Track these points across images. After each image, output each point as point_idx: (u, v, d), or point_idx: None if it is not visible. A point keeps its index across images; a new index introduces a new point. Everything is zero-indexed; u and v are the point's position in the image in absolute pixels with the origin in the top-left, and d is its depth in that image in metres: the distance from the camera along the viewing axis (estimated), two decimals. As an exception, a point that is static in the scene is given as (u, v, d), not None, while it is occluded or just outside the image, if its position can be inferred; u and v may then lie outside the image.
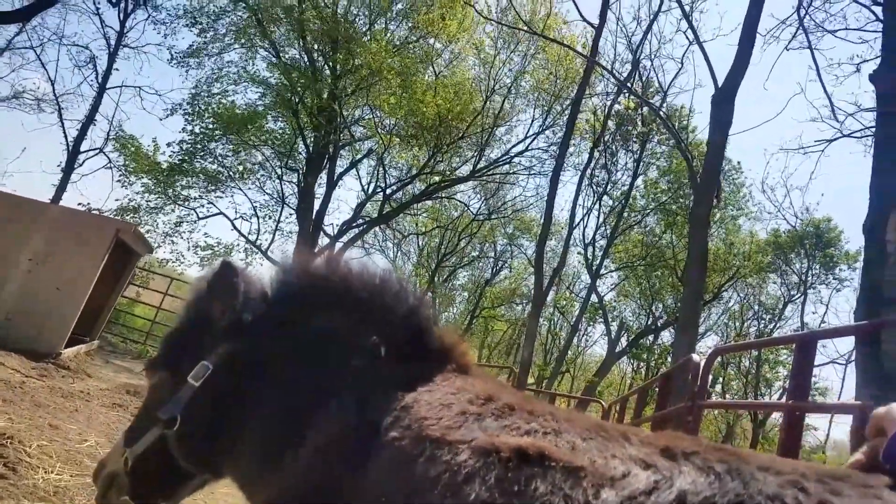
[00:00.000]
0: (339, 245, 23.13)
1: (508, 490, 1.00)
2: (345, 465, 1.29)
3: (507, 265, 35.89)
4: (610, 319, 29.96)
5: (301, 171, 22.28)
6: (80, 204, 20.15)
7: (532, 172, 26.98)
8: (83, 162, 22.08)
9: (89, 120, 21.89)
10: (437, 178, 24.75)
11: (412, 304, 1.63)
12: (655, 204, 27.21)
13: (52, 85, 22.05)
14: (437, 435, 1.19)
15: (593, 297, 28.14)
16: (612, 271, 30.14)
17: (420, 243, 35.02)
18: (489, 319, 36.02)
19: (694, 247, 13.26)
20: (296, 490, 1.35)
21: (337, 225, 24.94)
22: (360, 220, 24.69)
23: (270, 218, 23.29)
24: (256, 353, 1.66)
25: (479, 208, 30.81)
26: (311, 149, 21.77)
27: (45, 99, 22.33)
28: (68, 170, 21.34)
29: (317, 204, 22.14)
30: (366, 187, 26.26)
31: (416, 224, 32.60)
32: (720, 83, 13.08)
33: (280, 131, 22.37)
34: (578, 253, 28.84)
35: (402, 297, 1.64)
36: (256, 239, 22.70)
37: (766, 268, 28.39)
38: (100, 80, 22.24)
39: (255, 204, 22.90)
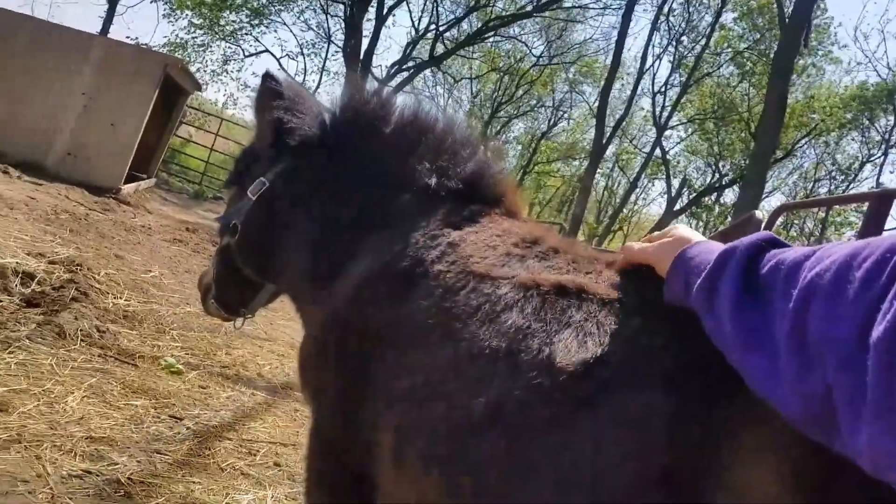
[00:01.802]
0: (387, 89, 22.40)
1: (543, 318, 1.05)
2: (386, 295, 1.34)
3: (565, 115, 34.39)
4: (672, 176, 28.83)
5: (348, 4, 21.02)
6: (127, 38, 19.86)
7: (603, 6, 24.60)
8: (128, -8, 21.38)
9: (131, -54, 20.83)
10: (495, 14, 23.00)
11: (467, 144, 1.63)
12: (732, 51, 24.91)
13: None
14: (482, 271, 1.23)
15: (657, 153, 26.92)
16: (680, 124, 28.50)
17: (473, 89, 33.62)
18: (543, 175, 35.29)
19: (773, 96, 12.33)
20: (338, 317, 1.42)
21: (385, 67, 24.03)
22: (411, 63, 23.62)
23: (317, 56, 22.60)
24: (309, 174, 1.71)
25: (542, 52, 28.87)
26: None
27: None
28: (113, 0, 20.73)
29: (365, 43, 21.13)
30: (417, 24, 24.85)
31: (471, 68, 31.03)
32: None
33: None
34: (641, 109, 27.15)
35: (458, 138, 1.64)
36: (304, 80, 22.25)
37: (847, 124, 26.29)
38: None
39: (300, 41, 22.11)
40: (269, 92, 1.78)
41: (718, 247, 0.89)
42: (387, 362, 1.27)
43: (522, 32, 27.10)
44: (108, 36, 18.84)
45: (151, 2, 21.50)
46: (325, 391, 1.44)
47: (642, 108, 29.05)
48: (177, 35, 20.54)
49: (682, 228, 1.09)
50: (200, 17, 20.31)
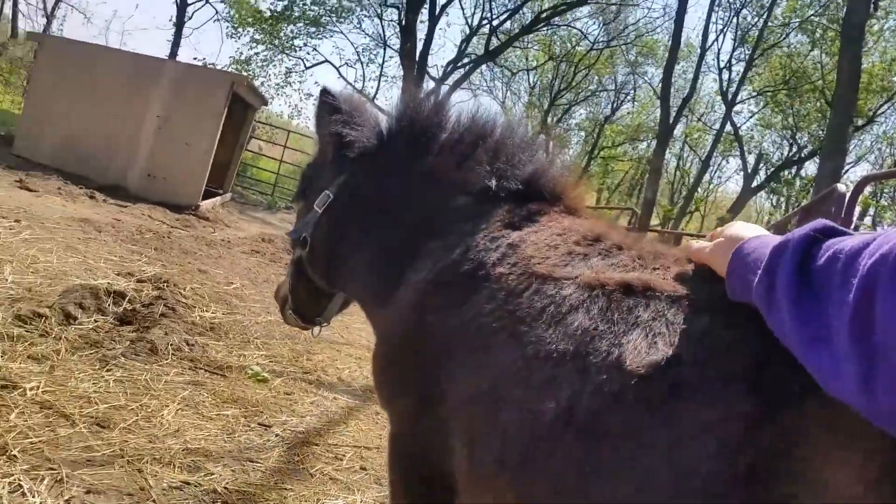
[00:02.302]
0: (444, 88, 22.48)
1: (610, 318, 1.03)
2: (447, 300, 1.35)
3: (629, 98, 33.42)
4: (746, 151, 27.49)
5: (401, 8, 21.24)
6: (195, 59, 20.85)
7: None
8: (192, 15, 22.52)
9: (192, -30, 21.87)
10: (548, 3, 22.66)
11: (525, 144, 1.63)
12: (799, 19, 23.50)
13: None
14: (544, 272, 1.21)
15: (728, 128, 25.77)
16: (751, 97, 27.13)
17: (531, 80, 33.19)
18: (609, 160, 34.39)
19: (845, 63, 11.57)
20: (400, 324, 1.43)
21: (441, 66, 24.13)
22: (466, 59, 23.58)
23: (373, 62, 23.00)
24: (369, 185, 1.75)
25: (598, 36, 28.23)
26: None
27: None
28: (179, 24, 21.81)
29: (420, 44, 21.30)
30: (470, 20, 24.79)
31: (527, 58, 30.65)
32: None
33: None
34: (714, 80, 25.98)
35: (516, 139, 1.63)
36: (363, 87, 22.65)
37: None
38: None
39: (357, 48, 22.60)
40: (327, 107, 1.85)
41: (773, 241, 0.86)
42: (450, 367, 1.27)
43: (576, 18, 26.59)
44: (177, 59, 19.86)
45: (214, 21, 22.54)
46: (393, 397, 1.47)
47: (715, 80, 27.87)
48: (240, 52, 21.45)
49: (737, 226, 1.06)
50: (261, 33, 21.05)
